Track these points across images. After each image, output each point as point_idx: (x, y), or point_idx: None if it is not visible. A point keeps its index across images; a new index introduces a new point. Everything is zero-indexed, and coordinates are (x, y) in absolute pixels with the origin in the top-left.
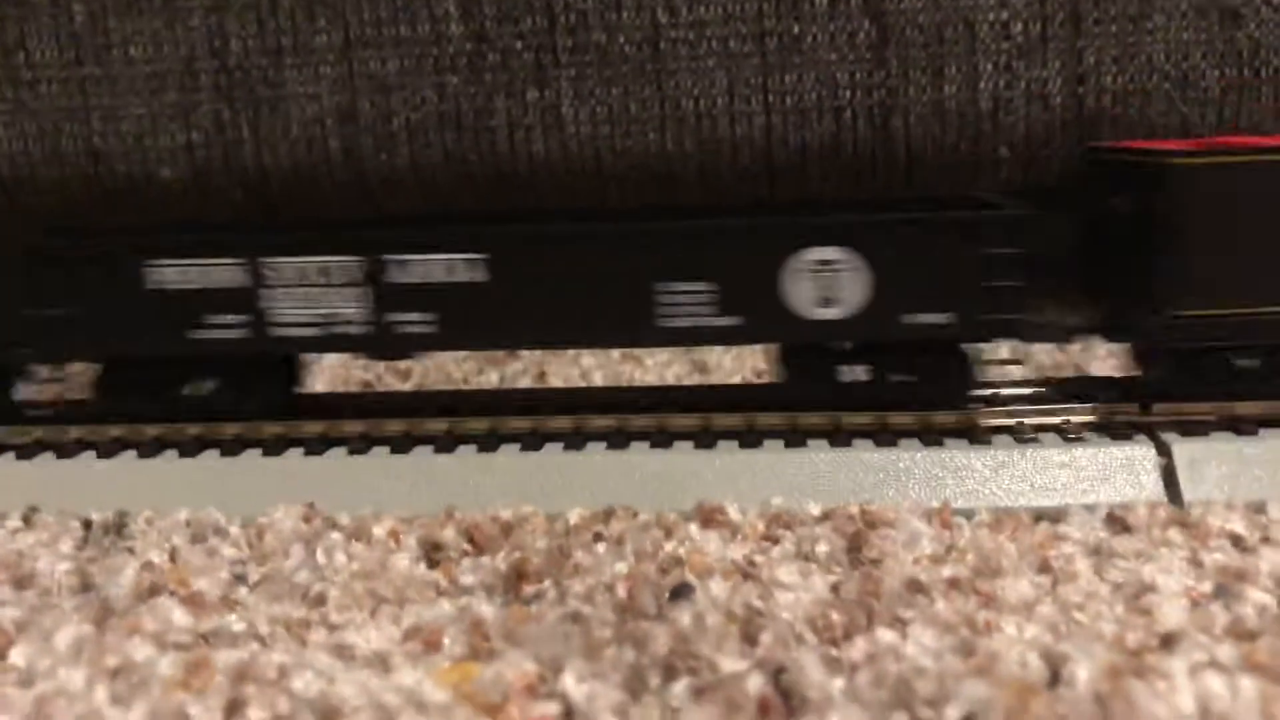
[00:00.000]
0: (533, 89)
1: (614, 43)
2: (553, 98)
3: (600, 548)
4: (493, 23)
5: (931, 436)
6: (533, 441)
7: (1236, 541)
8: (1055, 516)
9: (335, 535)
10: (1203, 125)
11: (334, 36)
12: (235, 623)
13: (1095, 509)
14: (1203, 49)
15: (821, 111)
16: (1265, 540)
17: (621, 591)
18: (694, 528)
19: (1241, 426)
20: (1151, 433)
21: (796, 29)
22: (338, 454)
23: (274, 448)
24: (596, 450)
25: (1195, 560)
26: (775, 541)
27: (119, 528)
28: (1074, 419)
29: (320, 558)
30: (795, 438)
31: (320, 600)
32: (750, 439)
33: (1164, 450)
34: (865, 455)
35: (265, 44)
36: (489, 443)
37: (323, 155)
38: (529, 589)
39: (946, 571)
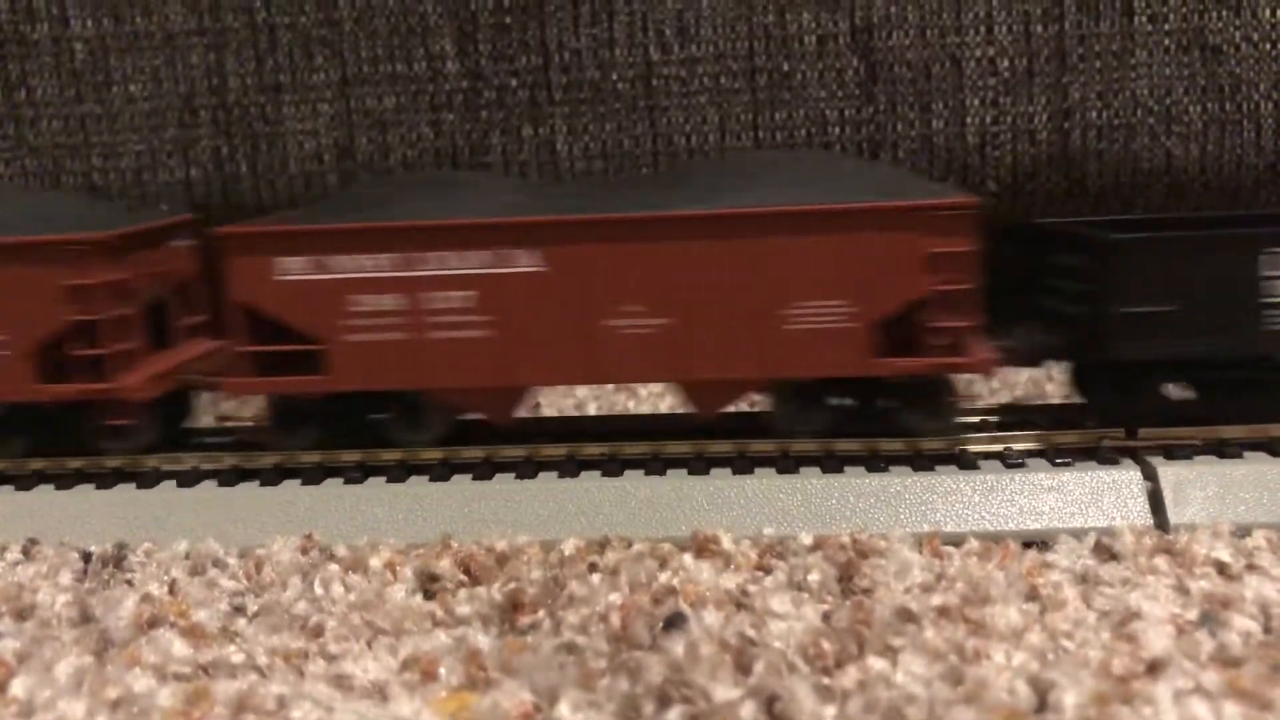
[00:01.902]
0: (528, 125)
1: (607, 79)
2: (547, 134)
3: (595, 578)
4: (488, 60)
5: (921, 462)
6: (527, 469)
7: (1221, 569)
8: (1043, 541)
9: (333, 566)
10: (1186, 159)
11: (331, 74)
12: (234, 654)
13: (1083, 536)
14: (1185, 84)
15: (811, 146)
16: (1250, 568)
17: (615, 621)
18: (688, 558)
19: (1226, 449)
20: (1137, 457)
21: (786, 66)
22: (334, 483)
23: (271, 477)
24: (591, 478)
25: (1181, 587)
26: (768, 571)
27: (118, 560)
28: (1061, 443)
29: (318, 589)
30: (787, 464)
31: (318, 631)
32: (742, 465)
33: (1150, 474)
34: (856, 481)
35: (264, 81)
36: (484, 471)
37: (321, 190)
38: (524, 619)
39: (936, 600)
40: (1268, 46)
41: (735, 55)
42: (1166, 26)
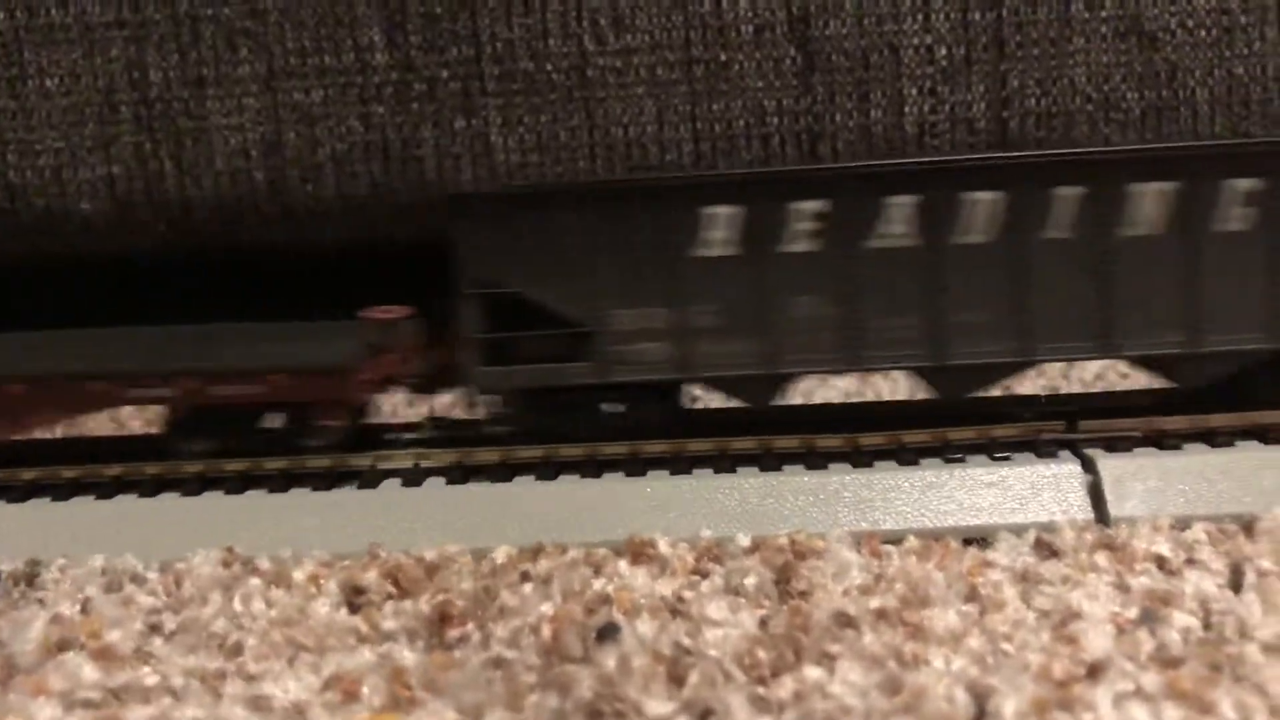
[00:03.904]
0: (460, 118)
1: (541, 71)
2: (481, 126)
3: (527, 587)
4: (419, 52)
5: (860, 458)
6: (458, 475)
7: (1162, 564)
8: (984, 538)
9: (254, 580)
10: (1124, 145)
11: (257, 67)
12: (148, 676)
13: (1023, 532)
14: (1122, 71)
15: (750, 138)
16: (1189, 562)
17: (547, 633)
18: (623, 564)
19: (1166, 441)
20: (1077, 450)
21: (723, 56)
22: (258, 493)
23: (193, 488)
24: (525, 482)
25: (1121, 585)
26: (705, 575)
27: (30, 578)
28: (1000, 436)
29: (238, 605)
30: (725, 463)
31: (237, 650)
32: (680, 466)
33: (1090, 467)
34: (794, 479)
35: (186, 75)
36: (414, 477)
37: (248, 187)
38: (453, 633)
39: (875, 603)
40: (1203, 33)
41: (671, 45)
42: (1103, 13)
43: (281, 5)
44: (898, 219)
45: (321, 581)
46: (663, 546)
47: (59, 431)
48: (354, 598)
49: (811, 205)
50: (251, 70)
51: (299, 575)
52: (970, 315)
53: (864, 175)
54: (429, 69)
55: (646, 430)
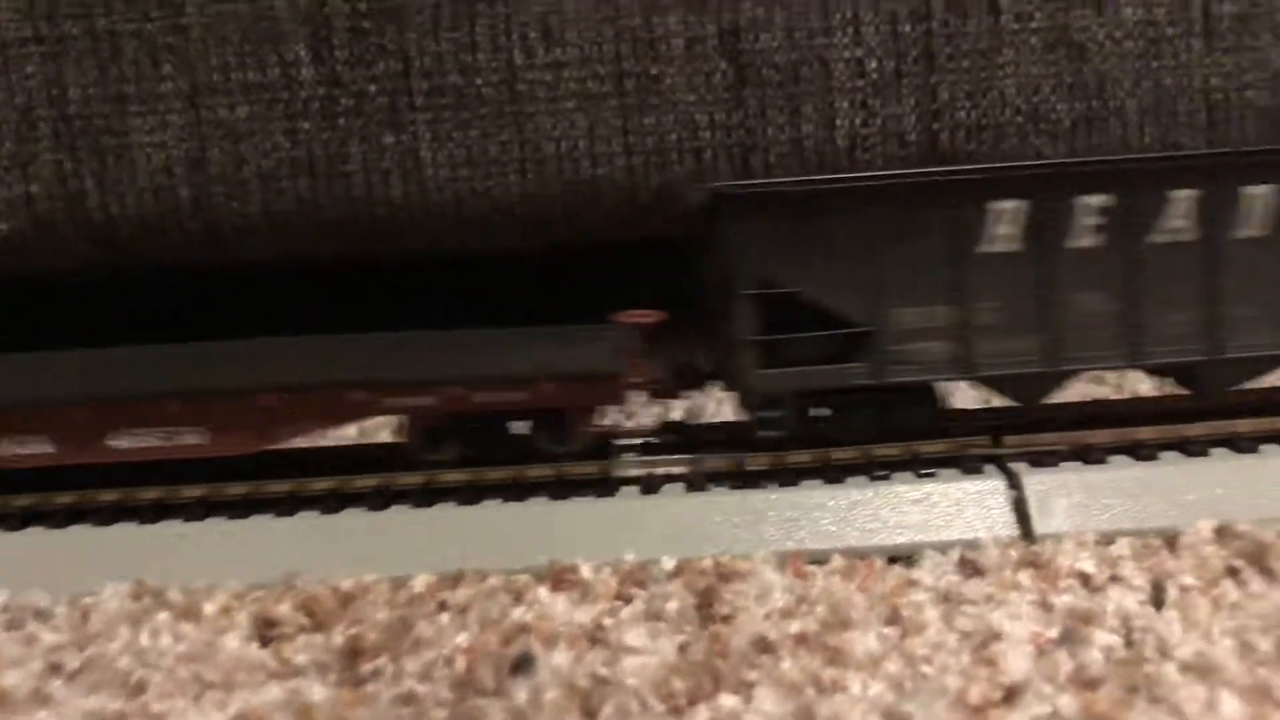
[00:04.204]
0: (388, 133)
1: (471, 85)
2: (409, 141)
3: (444, 617)
4: (345, 66)
5: (787, 477)
6: (379, 501)
7: (1085, 581)
8: (909, 556)
9: (163, 615)
10: (1055, 157)
11: (180, 83)
12: None
13: (948, 550)
14: (1052, 83)
15: (682, 152)
16: (1113, 579)
17: (461, 665)
18: (543, 591)
19: (1091, 455)
20: (1003, 465)
21: (654, 70)
22: (173, 523)
23: (105, 518)
24: (446, 507)
25: (1044, 603)
26: (627, 601)
27: None
28: (926, 452)
29: (144, 640)
30: (652, 484)
31: (140, 688)
32: (605, 488)
33: (1015, 483)
34: (721, 499)
35: (107, 92)
36: (333, 504)
37: (172, 205)
38: (365, 666)
39: (795, 626)
40: (1131, 44)
41: (602, 59)
42: (1033, 24)
43: (205, 20)
44: (1179, 213)
45: (233, 614)
46: (585, 572)
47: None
48: (266, 630)
49: (1097, 200)
50: (174, 86)
51: (210, 608)
52: (1244, 309)
53: (1150, 169)
54: (356, 84)
55: (910, 431)
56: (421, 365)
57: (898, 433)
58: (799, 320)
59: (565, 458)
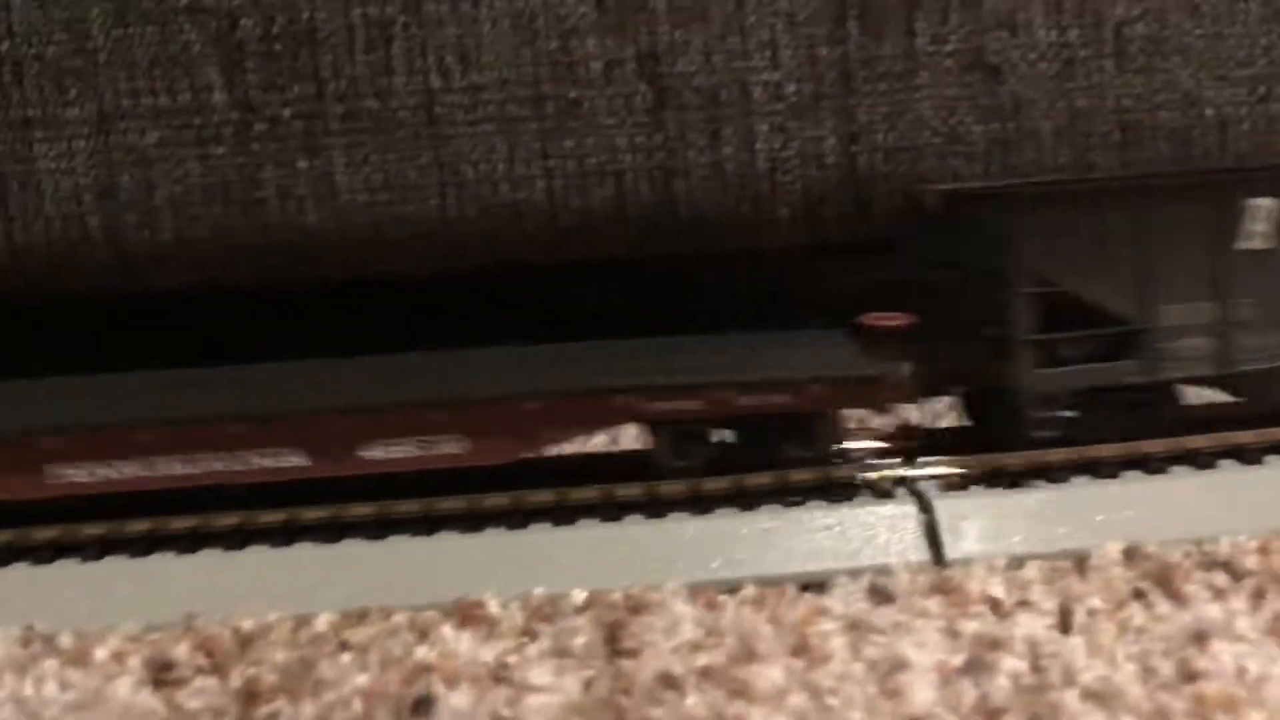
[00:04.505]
0: (303, 158)
1: (387, 108)
2: (325, 166)
3: (345, 657)
4: (258, 91)
5: (701, 505)
6: (284, 537)
7: (995, 606)
8: (822, 583)
9: (51, 662)
10: (971, 180)
11: (87, 108)
12: None
13: (860, 576)
14: (968, 105)
15: (603, 175)
16: (1021, 604)
17: (359, 708)
18: (448, 628)
19: (1002, 478)
20: (915, 489)
21: (573, 93)
22: (69, 563)
23: None
24: (354, 542)
25: (952, 630)
26: (534, 637)
27: None
28: (839, 477)
29: (29, 689)
30: (564, 515)
31: None
32: (517, 520)
33: (926, 507)
34: (633, 529)
35: (10, 117)
36: (235, 541)
37: (81, 233)
38: (262, 710)
39: (702, 660)
40: (1045, 66)
41: (520, 82)
42: (948, 47)
43: (111, 44)
44: None
45: (126, 658)
46: (493, 607)
47: None
48: (160, 674)
49: None
50: (81, 112)
51: (102, 653)
52: None
53: None
54: (270, 108)
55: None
56: (687, 369)
57: (1151, 429)
58: (1066, 319)
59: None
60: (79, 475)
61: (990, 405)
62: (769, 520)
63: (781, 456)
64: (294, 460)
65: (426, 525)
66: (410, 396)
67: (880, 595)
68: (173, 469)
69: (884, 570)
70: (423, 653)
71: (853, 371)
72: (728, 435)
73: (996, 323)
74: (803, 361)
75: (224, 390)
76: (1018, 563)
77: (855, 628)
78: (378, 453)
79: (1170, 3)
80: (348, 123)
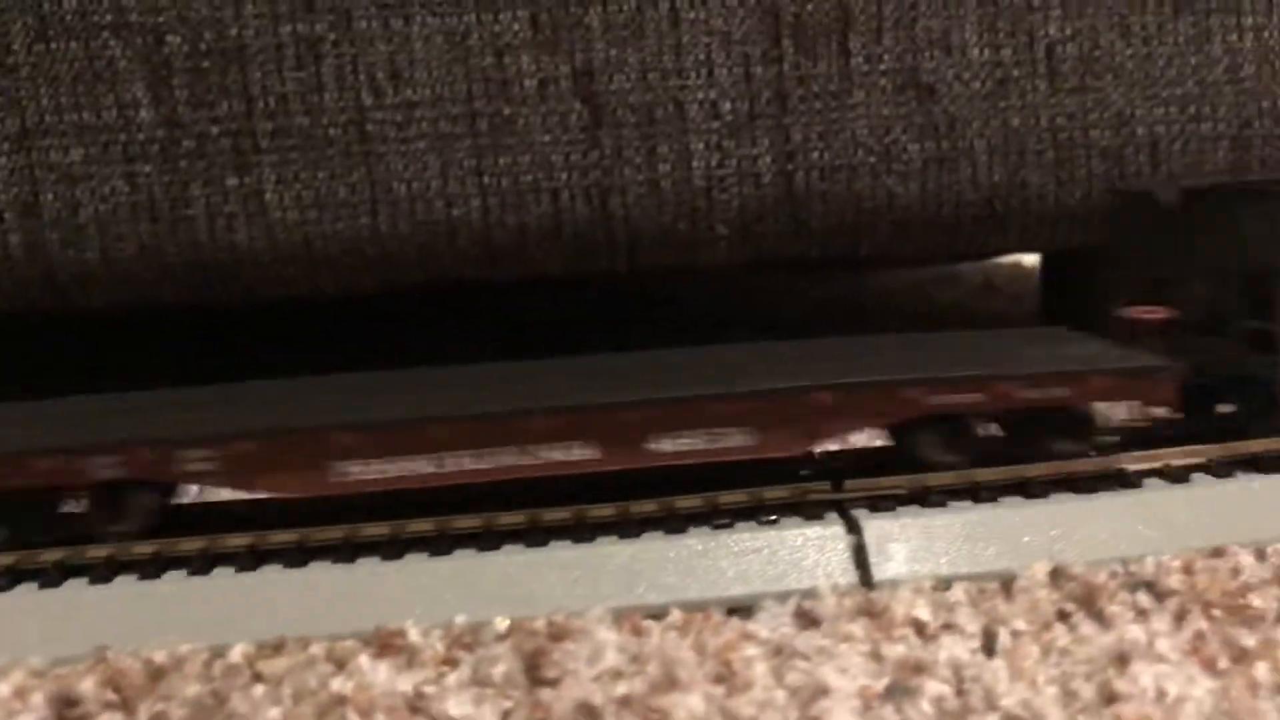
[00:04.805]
0: (232, 175)
1: (318, 125)
2: (254, 184)
3: (258, 689)
4: (186, 108)
5: (628, 529)
6: (202, 564)
7: (920, 629)
8: (749, 607)
9: None
10: (907, 197)
11: (9, 124)
12: None
13: (787, 599)
14: (902, 124)
15: (538, 193)
16: (947, 627)
17: None
18: (365, 658)
19: (931, 498)
20: (843, 510)
21: (507, 110)
22: None
23: None
24: (273, 570)
25: (876, 654)
26: (453, 666)
27: None
28: (769, 498)
29: None
30: (490, 540)
31: None
32: (441, 545)
33: (854, 528)
34: (560, 554)
35: None
36: (151, 570)
37: (2, 252)
38: None
39: (622, 688)
40: (978, 85)
41: (453, 99)
42: (882, 67)
43: (33, 59)
44: None
45: (29, 695)
46: (413, 636)
47: None
48: (65, 711)
49: None
50: (2, 128)
51: (4, 688)
52: None
53: None
54: (198, 125)
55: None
56: (967, 363)
57: None
58: None
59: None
60: (366, 473)
61: (1248, 396)
62: (697, 543)
63: (1047, 449)
64: (586, 453)
65: (348, 552)
66: (701, 390)
67: (806, 619)
68: (462, 465)
69: (811, 593)
70: (339, 684)
71: (1134, 364)
72: (995, 429)
73: (1256, 315)
74: (1073, 355)
75: (515, 385)
76: (945, 584)
77: (779, 653)
78: (667, 445)
79: (1102, 23)
80: (277, 140)
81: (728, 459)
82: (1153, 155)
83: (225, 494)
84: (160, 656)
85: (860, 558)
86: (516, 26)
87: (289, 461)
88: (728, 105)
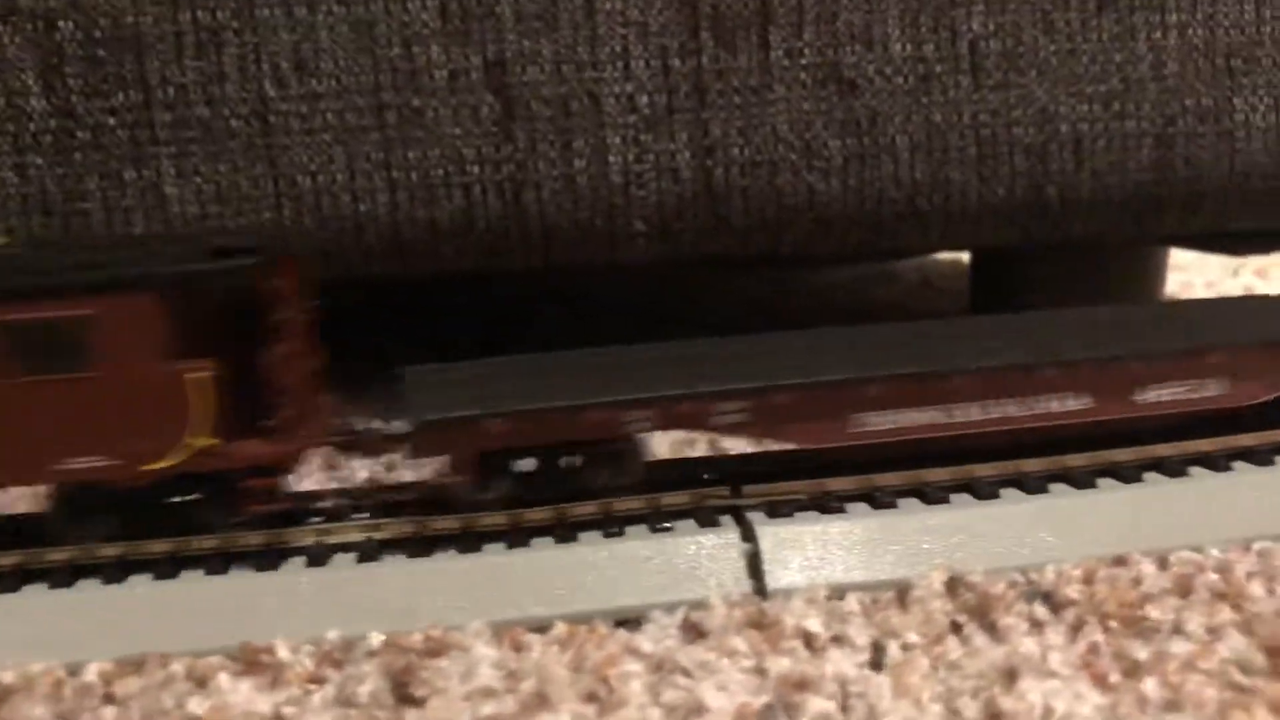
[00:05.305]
0: (130, 168)
1: (219, 117)
2: (153, 177)
3: (108, 711)
4: (80, 97)
5: (517, 537)
6: (63, 577)
7: (809, 641)
8: (640, 620)
9: None
10: (829, 194)
11: None
12: None
13: (676, 610)
14: (823, 119)
15: (449, 187)
16: (836, 639)
17: None
18: (225, 676)
19: (830, 504)
20: (740, 517)
21: (416, 102)
22: None
23: None
24: (141, 581)
25: (760, 668)
26: (320, 684)
27: None
28: (667, 505)
29: None
30: (371, 550)
31: None
32: (319, 555)
33: (750, 535)
34: (445, 564)
35: None
36: (11, 583)
37: None
38: None
39: (490, 708)
40: (901, 80)
41: (360, 90)
42: (803, 61)
43: None
44: None
45: None
46: (283, 653)
47: None
48: None
49: None
50: None
51: None
52: None
53: None
54: (93, 116)
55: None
56: None
57: None
58: None
59: None
60: (881, 423)
61: None
62: (588, 552)
63: None
64: (1078, 404)
65: (222, 562)
66: (1183, 343)
67: (693, 631)
68: (969, 415)
69: (700, 605)
70: (195, 704)
71: None
72: None
73: None
74: None
75: (1020, 338)
76: (839, 593)
77: (659, 668)
78: (1151, 396)
79: (1025, 18)
80: (177, 131)
81: (1204, 408)
82: (1076, 152)
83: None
84: (9, 677)
85: (755, 566)
86: (425, 16)
87: (816, 412)
88: (645, 99)
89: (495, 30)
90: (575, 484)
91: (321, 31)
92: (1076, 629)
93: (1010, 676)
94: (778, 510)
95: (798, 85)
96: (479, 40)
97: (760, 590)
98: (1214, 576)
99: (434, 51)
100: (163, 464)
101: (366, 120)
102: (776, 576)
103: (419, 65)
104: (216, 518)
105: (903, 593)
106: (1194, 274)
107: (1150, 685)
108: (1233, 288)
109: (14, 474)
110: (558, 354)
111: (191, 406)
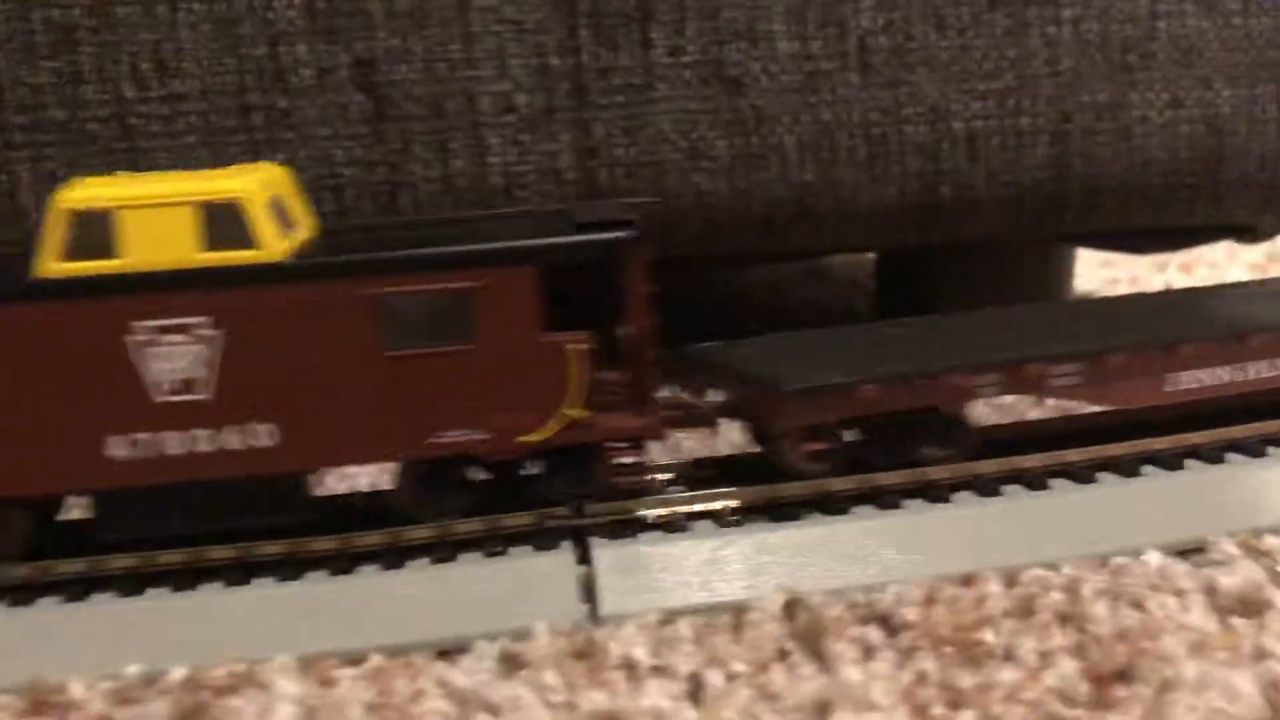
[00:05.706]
0: None
1: (76, 119)
2: (7, 183)
3: None
4: None
5: (340, 564)
6: None
7: (631, 672)
8: (463, 649)
9: None
10: (716, 195)
11: None
12: None
13: (499, 640)
14: (709, 118)
15: (320, 189)
16: (658, 670)
17: None
18: (7, 717)
19: (673, 523)
20: (581, 538)
21: (283, 103)
22: None
23: None
24: None
25: (572, 704)
26: None
27: None
28: (509, 526)
29: None
30: (186, 579)
31: None
32: (134, 585)
33: (586, 558)
34: (262, 592)
35: None
36: None
37: None
38: None
39: None
40: (787, 78)
41: (224, 91)
42: (685, 59)
43: None
44: None
45: None
46: (76, 691)
47: None
48: None
49: None
50: None
51: None
52: None
53: None
54: None
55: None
56: None
57: None
58: None
59: None
60: (1190, 382)
61: None
62: (414, 578)
63: None
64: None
65: (26, 594)
66: None
67: (512, 663)
68: (1260, 372)
69: (522, 634)
70: None
71: None
72: None
73: None
74: None
75: None
76: (672, 618)
77: (465, 704)
78: None
79: (916, 14)
80: (32, 135)
81: None
82: (970, 150)
83: None
84: None
85: (590, 591)
86: (292, 13)
87: (1139, 373)
88: (523, 98)
89: (364, 27)
90: (909, 454)
91: (183, 30)
92: (909, 655)
93: (822, 711)
94: (621, 531)
95: (681, 84)
96: (347, 38)
97: (595, 615)
98: (1059, 596)
99: (300, 50)
100: (538, 436)
101: (231, 121)
102: (611, 601)
103: (285, 64)
104: (569, 491)
105: (738, 617)
106: (1119, 269)
107: (968, 718)
108: (1158, 283)
109: (384, 449)
110: (842, 329)
111: (571, 378)
